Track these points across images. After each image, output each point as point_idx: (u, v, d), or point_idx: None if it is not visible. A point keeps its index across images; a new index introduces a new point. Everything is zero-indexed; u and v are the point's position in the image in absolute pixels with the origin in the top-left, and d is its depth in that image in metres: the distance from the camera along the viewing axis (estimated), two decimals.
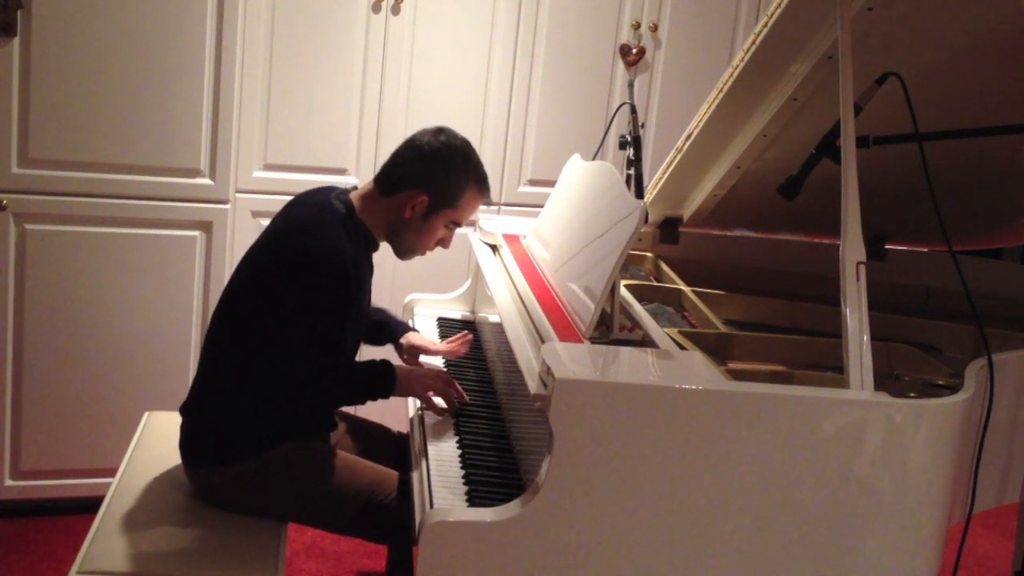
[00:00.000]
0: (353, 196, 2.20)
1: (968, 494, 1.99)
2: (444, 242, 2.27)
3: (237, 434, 2.11)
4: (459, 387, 2.23)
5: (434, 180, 2.16)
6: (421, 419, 2.17)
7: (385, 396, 2.17)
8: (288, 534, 2.14)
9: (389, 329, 2.50)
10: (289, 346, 2.04)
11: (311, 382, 2.08)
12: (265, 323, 2.06)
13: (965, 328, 2.35)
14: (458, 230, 2.28)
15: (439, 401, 2.21)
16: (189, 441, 2.18)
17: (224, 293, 2.21)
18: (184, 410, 2.21)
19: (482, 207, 2.32)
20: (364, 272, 2.18)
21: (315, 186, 2.30)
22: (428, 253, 2.30)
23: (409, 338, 2.49)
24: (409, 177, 2.16)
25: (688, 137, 2.51)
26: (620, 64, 3.45)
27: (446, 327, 2.74)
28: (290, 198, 2.29)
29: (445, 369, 2.45)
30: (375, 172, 3.29)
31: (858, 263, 1.77)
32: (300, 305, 2.03)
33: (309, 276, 2.03)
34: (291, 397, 2.10)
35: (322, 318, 2.05)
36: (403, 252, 2.26)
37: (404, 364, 2.36)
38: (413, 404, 2.28)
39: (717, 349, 2.10)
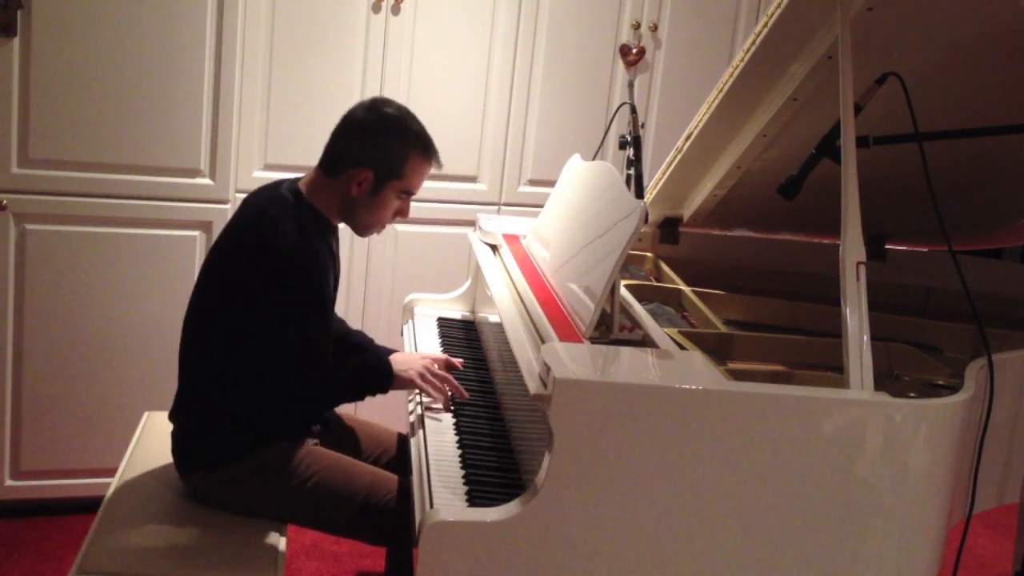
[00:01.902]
0: (301, 183, 2.19)
1: (968, 494, 1.99)
2: (402, 212, 2.24)
3: (226, 437, 2.11)
4: (456, 383, 2.23)
5: (373, 154, 2.13)
6: (421, 419, 2.17)
7: (384, 390, 2.18)
8: (288, 534, 2.14)
9: (372, 354, 2.49)
10: (263, 344, 2.03)
11: (291, 382, 2.07)
12: (234, 323, 2.06)
13: (965, 328, 2.35)
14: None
15: (436, 391, 2.21)
16: (181, 446, 2.18)
17: (192, 297, 2.21)
18: (172, 416, 2.21)
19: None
20: (323, 256, 2.13)
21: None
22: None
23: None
24: (349, 155, 2.14)
25: (688, 137, 2.51)
26: (620, 64, 3.45)
27: (446, 327, 2.74)
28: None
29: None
30: None
31: (858, 263, 1.77)
32: (262, 300, 2.03)
33: (266, 268, 2.03)
34: (276, 399, 2.09)
35: (286, 310, 2.04)
36: (361, 229, 2.24)
37: (399, 354, 2.34)
38: (413, 403, 2.28)
39: (717, 349, 2.10)
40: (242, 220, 2.15)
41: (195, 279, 2.98)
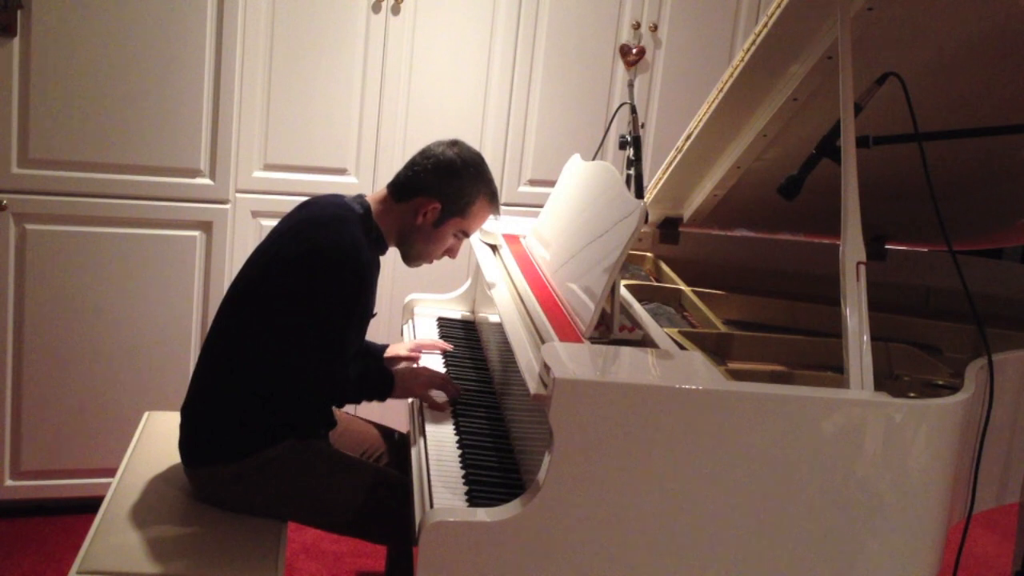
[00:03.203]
0: (370, 200, 2.25)
1: (968, 494, 1.99)
2: (452, 252, 2.33)
3: (236, 432, 2.12)
4: (453, 384, 2.25)
5: (446, 189, 2.21)
6: (422, 420, 2.17)
7: (382, 398, 2.19)
8: (288, 534, 2.14)
9: (367, 350, 2.51)
10: (299, 339, 2.06)
11: (317, 379, 2.10)
12: (275, 317, 2.07)
13: (965, 328, 2.35)
14: None
15: (437, 395, 2.22)
16: (188, 440, 2.18)
17: (229, 293, 2.22)
18: (184, 410, 2.21)
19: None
20: (374, 272, 2.21)
21: (317, 189, 2.33)
22: (435, 261, 2.34)
23: (391, 352, 2.53)
24: (423, 185, 2.22)
25: (688, 137, 2.51)
26: (620, 64, 3.45)
27: (446, 327, 2.74)
28: (295, 199, 2.32)
29: (444, 367, 2.46)
30: (375, 172, 3.29)
31: (858, 263, 1.77)
32: (313, 298, 2.05)
33: (325, 269, 2.06)
34: (294, 393, 2.10)
35: (333, 313, 2.07)
36: (411, 259, 2.31)
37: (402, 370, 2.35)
38: (413, 404, 2.28)
39: (717, 349, 2.10)
40: (309, 220, 2.17)
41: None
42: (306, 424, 2.19)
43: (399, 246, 2.29)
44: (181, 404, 2.23)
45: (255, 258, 2.21)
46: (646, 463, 1.61)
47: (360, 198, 2.24)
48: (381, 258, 2.29)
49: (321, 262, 2.06)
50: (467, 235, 2.31)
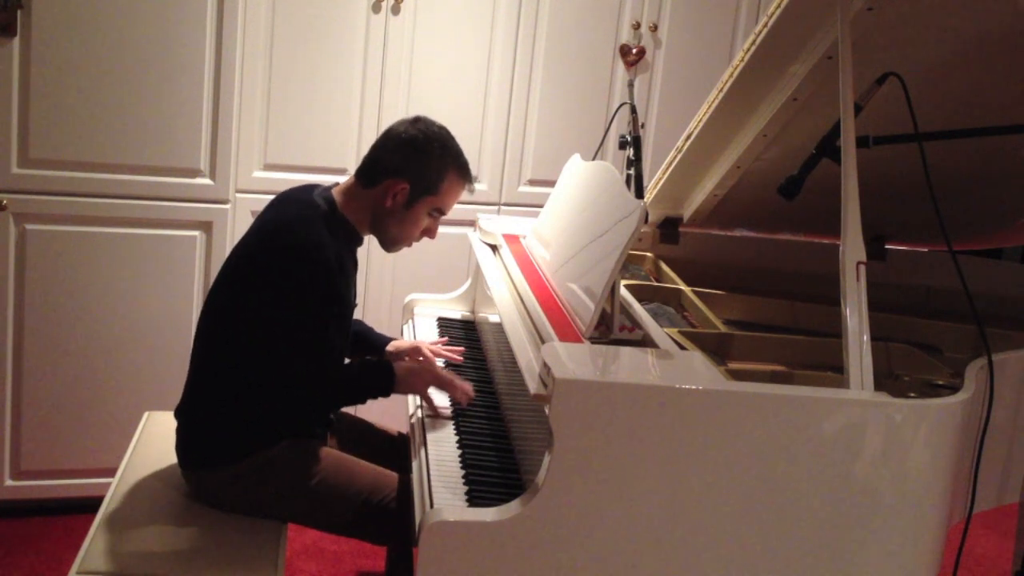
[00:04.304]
0: (335, 192, 2.20)
1: (968, 494, 1.99)
2: (430, 232, 2.26)
3: (232, 435, 2.11)
4: (460, 383, 2.22)
5: (413, 167, 2.15)
6: (421, 420, 2.17)
7: (386, 394, 2.17)
8: (288, 534, 2.14)
9: (370, 341, 2.50)
10: (278, 345, 2.04)
11: (304, 384, 2.08)
12: (252, 322, 2.06)
13: (965, 328, 2.35)
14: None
15: (438, 400, 2.21)
16: (185, 444, 2.18)
17: (209, 294, 2.21)
18: (178, 413, 2.21)
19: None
20: (348, 268, 2.17)
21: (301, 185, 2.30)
22: (416, 245, 2.29)
23: (396, 344, 2.50)
24: (388, 166, 2.16)
25: (688, 137, 2.51)
26: (620, 64, 3.45)
27: (446, 327, 2.74)
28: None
29: (444, 366, 2.46)
30: None
31: (858, 263, 1.78)
32: (285, 302, 2.03)
33: (292, 271, 2.03)
34: (285, 400, 2.10)
35: (307, 314, 2.04)
36: (388, 243, 2.25)
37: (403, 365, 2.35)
38: (413, 404, 2.28)
39: (717, 349, 2.10)
40: (272, 222, 2.14)
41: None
42: (303, 424, 2.18)
43: (374, 233, 2.23)
44: (175, 407, 2.23)
45: (231, 261, 2.19)
46: (646, 463, 1.61)
47: (325, 191, 2.19)
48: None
49: (286, 265, 2.03)
50: (443, 213, 2.23)
